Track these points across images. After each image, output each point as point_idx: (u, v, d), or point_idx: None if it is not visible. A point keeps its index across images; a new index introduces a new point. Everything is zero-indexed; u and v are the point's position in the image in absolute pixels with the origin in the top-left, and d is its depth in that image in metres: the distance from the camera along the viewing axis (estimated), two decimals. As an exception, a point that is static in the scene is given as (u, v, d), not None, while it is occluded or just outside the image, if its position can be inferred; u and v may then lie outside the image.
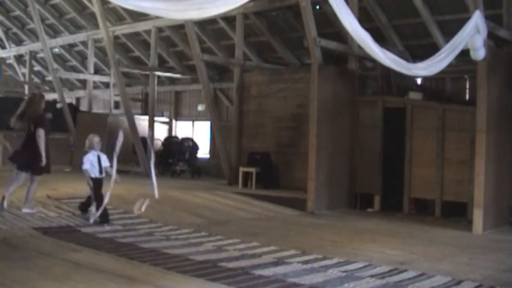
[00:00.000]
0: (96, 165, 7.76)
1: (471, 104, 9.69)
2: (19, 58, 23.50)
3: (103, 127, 16.84)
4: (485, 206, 8.36)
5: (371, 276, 5.39)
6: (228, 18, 14.40)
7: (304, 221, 9.43)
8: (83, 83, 21.16)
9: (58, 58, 21.37)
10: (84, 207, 8.14)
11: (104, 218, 7.77)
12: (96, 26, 17.08)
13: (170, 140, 16.97)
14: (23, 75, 23.37)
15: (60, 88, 18.89)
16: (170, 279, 5.03)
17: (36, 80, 23.54)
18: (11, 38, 22.79)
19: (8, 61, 24.01)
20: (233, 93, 14.65)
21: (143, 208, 7.67)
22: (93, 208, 7.86)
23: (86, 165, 7.70)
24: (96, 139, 7.83)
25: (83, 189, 11.14)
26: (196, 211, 9.57)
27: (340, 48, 11.14)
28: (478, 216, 8.36)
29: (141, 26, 16.76)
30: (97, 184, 7.78)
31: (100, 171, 7.80)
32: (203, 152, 17.20)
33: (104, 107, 21.08)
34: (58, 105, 18.78)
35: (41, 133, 7.98)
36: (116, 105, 19.80)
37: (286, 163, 13.18)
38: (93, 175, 7.75)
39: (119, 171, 12.91)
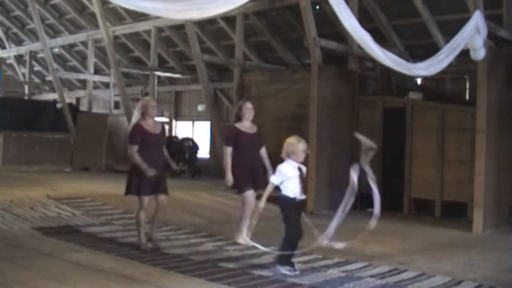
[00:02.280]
0: (297, 183, 5.53)
1: (471, 104, 9.68)
2: (19, 58, 23.49)
3: (103, 127, 16.88)
4: (485, 206, 8.36)
5: (371, 276, 5.40)
6: (228, 18, 14.39)
7: (304, 221, 9.41)
8: (83, 83, 21.16)
9: (58, 58, 21.37)
10: (286, 257, 5.44)
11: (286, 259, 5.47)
12: (96, 26, 17.08)
13: (170, 140, 16.97)
14: (23, 75, 23.37)
15: (60, 88, 18.89)
16: (170, 279, 5.04)
17: (36, 80, 23.54)
18: (11, 38, 22.79)
19: (8, 61, 23.99)
20: (233, 93, 14.64)
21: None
22: None
23: (275, 178, 5.53)
24: (301, 145, 5.50)
25: (84, 189, 11.16)
26: (196, 211, 9.57)
27: (340, 48, 11.14)
28: (478, 216, 8.35)
29: (141, 26, 16.75)
30: (292, 209, 5.52)
31: (301, 192, 5.57)
32: (203, 152, 17.20)
33: (104, 107, 21.08)
34: (58, 105, 18.79)
35: (223, 148, 6.90)
36: (116, 105, 19.79)
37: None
38: (292, 195, 5.52)
39: (119, 171, 12.75)
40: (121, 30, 17.39)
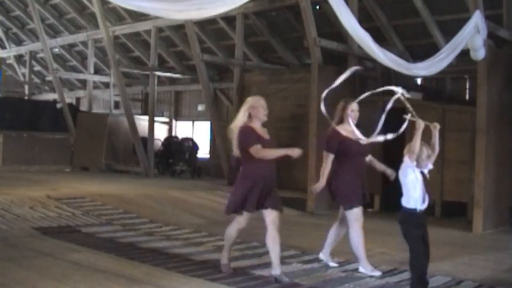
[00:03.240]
0: (419, 189, 4.86)
1: (471, 104, 9.69)
2: (19, 58, 23.49)
3: (103, 127, 16.88)
4: (485, 206, 8.36)
5: (371, 276, 5.40)
6: (228, 18, 14.39)
7: (304, 221, 9.43)
8: (83, 83, 21.16)
9: (58, 58, 21.37)
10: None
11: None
12: (96, 26, 17.08)
13: (170, 140, 16.99)
14: (23, 75, 23.37)
15: (60, 88, 18.88)
16: (170, 279, 5.04)
17: (36, 80, 23.54)
18: (11, 38, 22.78)
19: (8, 61, 23.99)
20: (233, 93, 14.65)
21: None
22: None
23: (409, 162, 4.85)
24: (425, 151, 4.98)
25: (84, 189, 11.16)
26: (196, 211, 9.58)
27: (340, 48, 11.14)
28: (478, 216, 8.36)
29: (141, 26, 16.75)
30: (411, 223, 4.81)
31: (424, 200, 4.81)
32: (203, 152, 17.21)
33: (104, 107, 21.08)
34: (58, 105, 18.81)
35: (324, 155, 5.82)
36: (116, 105, 19.79)
37: (286, 163, 13.15)
38: (411, 205, 4.85)
39: (120, 171, 12.63)
40: (121, 30, 17.38)
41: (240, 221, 5.27)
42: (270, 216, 5.12)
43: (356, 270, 5.61)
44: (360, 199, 5.69)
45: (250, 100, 5.44)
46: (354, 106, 5.93)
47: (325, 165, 5.75)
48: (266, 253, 6.29)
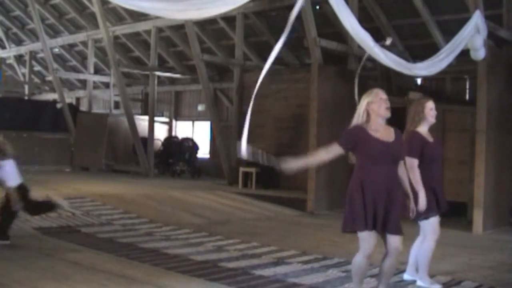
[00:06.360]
0: None
1: (471, 104, 9.69)
2: (19, 58, 23.49)
3: (103, 127, 16.88)
4: (485, 206, 8.36)
5: (371, 276, 5.39)
6: (228, 18, 14.40)
7: (304, 221, 9.43)
8: (83, 83, 21.17)
9: (58, 58, 21.37)
10: None
11: None
12: (96, 26, 17.08)
13: (170, 140, 16.99)
14: (23, 75, 23.37)
15: (60, 88, 18.89)
16: (170, 279, 5.04)
17: (36, 80, 23.54)
18: (11, 38, 22.79)
19: (8, 61, 24.00)
20: (233, 93, 14.66)
21: None
22: None
23: None
24: None
25: (84, 189, 11.18)
26: (196, 211, 9.58)
27: (340, 48, 11.14)
28: (478, 216, 8.36)
29: (141, 26, 16.76)
30: None
31: None
32: (203, 152, 17.22)
33: (104, 107, 21.08)
34: (58, 105, 18.80)
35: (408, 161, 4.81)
36: (116, 105, 19.81)
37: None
38: None
39: (120, 171, 12.55)
40: (121, 30, 17.39)
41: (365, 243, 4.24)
42: (393, 241, 4.22)
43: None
44: (435, 208, 5.25)
45: (369, 95, 4.44)
46: (431, 105, 5.14)
47: (415, 173, 4.90)
48: (266, 253, 6.31)
